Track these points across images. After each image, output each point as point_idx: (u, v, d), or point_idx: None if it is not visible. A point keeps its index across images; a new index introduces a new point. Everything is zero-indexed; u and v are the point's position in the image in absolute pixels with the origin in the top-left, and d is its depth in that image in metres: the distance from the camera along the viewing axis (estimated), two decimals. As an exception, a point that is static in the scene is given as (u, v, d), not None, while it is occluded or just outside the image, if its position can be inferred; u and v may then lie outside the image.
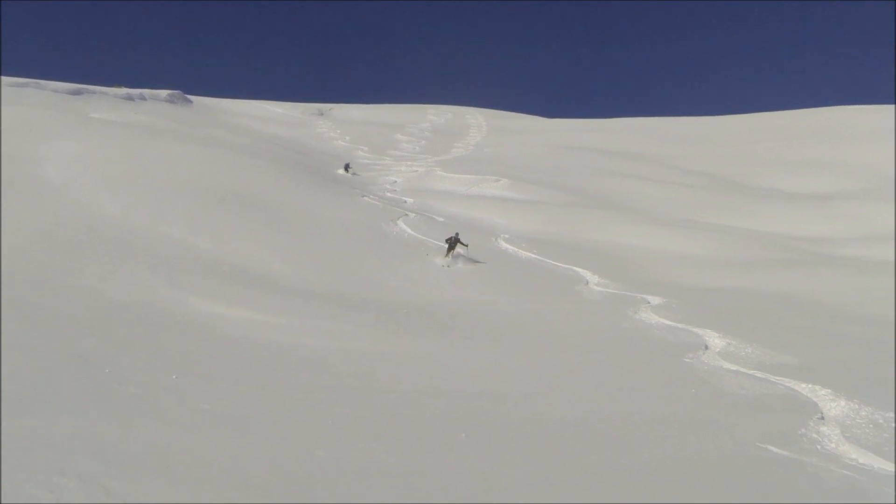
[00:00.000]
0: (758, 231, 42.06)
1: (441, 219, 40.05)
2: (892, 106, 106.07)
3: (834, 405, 12.86)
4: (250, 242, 27.42)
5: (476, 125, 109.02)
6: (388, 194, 49.16)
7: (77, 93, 74.01)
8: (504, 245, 34.30)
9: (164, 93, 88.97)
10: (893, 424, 11.68)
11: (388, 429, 9.96)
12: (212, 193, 33.28)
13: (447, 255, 29.80)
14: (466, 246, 30.07)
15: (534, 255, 32.19)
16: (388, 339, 17.40)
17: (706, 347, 18.05)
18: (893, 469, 9.86)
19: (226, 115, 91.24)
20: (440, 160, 69.05)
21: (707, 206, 49.45)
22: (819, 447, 10.69)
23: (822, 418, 12.13)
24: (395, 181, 55.80)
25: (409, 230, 34.74)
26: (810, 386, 14.13)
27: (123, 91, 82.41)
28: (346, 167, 58.44)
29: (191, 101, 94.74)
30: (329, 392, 11.73)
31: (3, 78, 69.76)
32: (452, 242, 30.07)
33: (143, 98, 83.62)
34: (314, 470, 7.80)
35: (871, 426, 11.60)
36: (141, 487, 6.56)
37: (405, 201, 46.21)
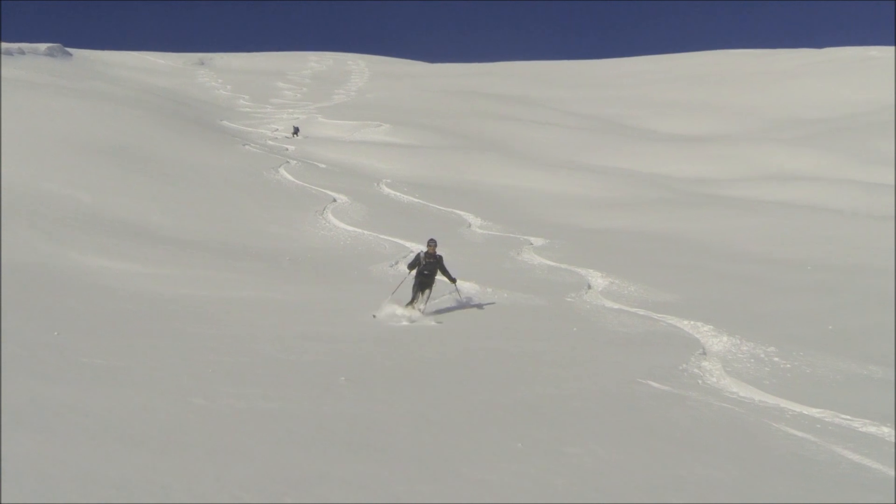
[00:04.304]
0: (640, 172, 42.67)
1: (323, 165, 39.20)
2: (769, 50, 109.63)
3: (716, 341, 12.92)
4: (131, 194, 26.16)
5: (358, 71, 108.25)
6: (270, 142, 47.82)
7: (-48, 49, 70.28)
8: (386, 190, 33.61)
9: (43, 46, 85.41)
10: (776, 359, 11.69)
11: (267, 375, 9.75)
12: (92, 147, 31.64)
13: (413, 301, 15.08)
14: (454, 282, 16.04)
15: (416, 199, 31.63)
16: (270, 286, 16.91)
17: (589, 287, 18.00)
18: (772, 401, 9.87)
19: (106, 67, 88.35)
20: (322, 107, 67.75)
21: (590, 147, 49.88)
22: (700, 382, 10.67)
23: (704, 354, 12.14)
24: (277, 129, 54.36)
25: (290, 177, 33.80)
26: (692, 322, 14.21)
27: (1, 46, 78.57)
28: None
29: (71, 55, 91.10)
30: (209, 341, 11.41)
31: None
32: (425, 263, 15.53)
33: (21, 52, 79.68)
34: (191, 418, 7.76)
35: (751, 360, 11.63)
36: (20, 444, 6.48)
37: (286, 149, 44.96)
